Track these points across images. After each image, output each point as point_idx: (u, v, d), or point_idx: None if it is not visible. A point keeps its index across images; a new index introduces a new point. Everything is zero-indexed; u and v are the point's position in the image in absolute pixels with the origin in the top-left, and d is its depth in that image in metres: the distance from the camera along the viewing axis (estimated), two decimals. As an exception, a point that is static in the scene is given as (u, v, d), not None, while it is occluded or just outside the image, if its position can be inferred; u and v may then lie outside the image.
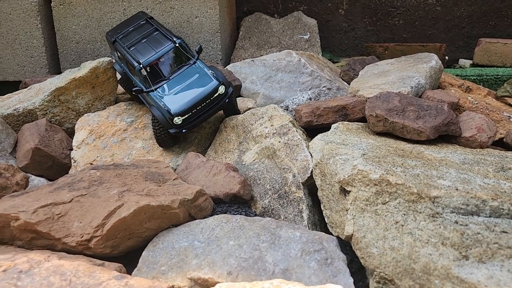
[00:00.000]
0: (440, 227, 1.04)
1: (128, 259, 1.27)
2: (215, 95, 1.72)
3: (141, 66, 1.79)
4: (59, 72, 2.91)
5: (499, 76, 2.59)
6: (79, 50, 2.90)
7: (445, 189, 1.10)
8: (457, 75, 2.63)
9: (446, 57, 3.00)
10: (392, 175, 1.16)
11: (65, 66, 2.90)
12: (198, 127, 1.90)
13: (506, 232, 1.01)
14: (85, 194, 1.37)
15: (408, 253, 1.04)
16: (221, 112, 1.93)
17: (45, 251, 1.24)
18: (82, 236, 1.24)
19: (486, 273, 0.96)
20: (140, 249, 1.29)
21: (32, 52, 2.90)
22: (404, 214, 1.10)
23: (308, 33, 3.07)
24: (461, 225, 1.04)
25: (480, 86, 2.23)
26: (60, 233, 1.26)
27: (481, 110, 1.84)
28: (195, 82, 1.75)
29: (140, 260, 1.21)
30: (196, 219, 1.37)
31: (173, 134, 1.74)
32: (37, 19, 2.83)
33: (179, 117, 1.69)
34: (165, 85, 1.78)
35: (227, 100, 1.75)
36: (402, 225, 1.08)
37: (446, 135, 1.59)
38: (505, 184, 1.16)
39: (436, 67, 2.03)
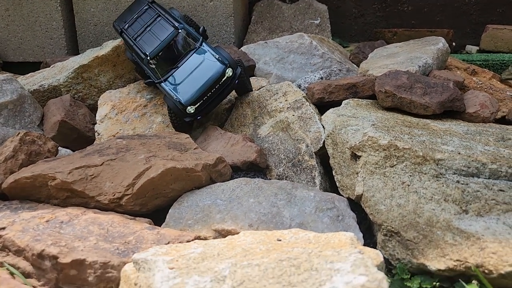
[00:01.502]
0: (443, 186, 1.14)
1: (154, 217, 1.38)
2: (223, 79, 1.72)
3: (148, 58, 1.82)
4: (78, 53, 3.02)
5: (504, 62, 2.66)
6: (97, 32, 3.00)
7: (448, 153, 1.20)
8: (463, 60, 2.70)
9: (454, 43, 3.08)
10: (399, 141, 1.26)
11: (83, 48, 3.01)
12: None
13: (503, 191, 1.11)
14: (115, 159, 1.49)
15: (413, 209, 1.14)
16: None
17: (80, 207, 1.36)
18: (114, 195, 1.35)
19: (483, 225, 1.06)
20: (165, 208, 1.40)
21: (51, 33, 3.00)
22: (410, 175, 1.20)
23: (318, 18, 3.15)
24: (462, 184, 1.14)
25: (485, 69, 2.31)
26: (94, 192, 1.37)
27: (485, 89, 1.93)
28: (202, 68, 1.76)
29: (167, 216, 1.32)
30: (217, 183, 1.48)
31: (189, 123, 1.77)
32: (57, 1, 2.93)
33: (191, 106, 1.72)
34: (174, 75, 1.80)
35: (237, 81, 1.75)
36: (408, 185, 1.19)
37: (451, 111, 1.68)
38: (504, 150, 1.26)
39: (443, 49, 2.12)
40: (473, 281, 1.02)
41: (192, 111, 1.72)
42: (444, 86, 1.69)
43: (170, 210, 1.34)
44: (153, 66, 1.82)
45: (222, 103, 2.02)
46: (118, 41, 2.22)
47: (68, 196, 1.40)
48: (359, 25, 3.39)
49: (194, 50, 1.81)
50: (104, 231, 1.17)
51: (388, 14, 3.32)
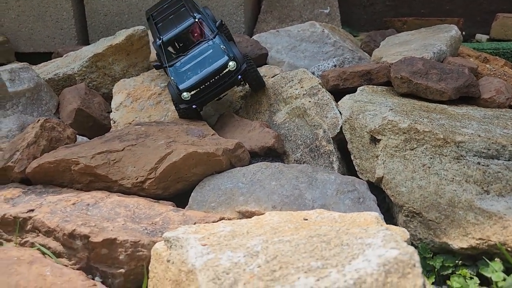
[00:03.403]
0: (464, 167, 1.16)
1: (176, 201, 1.40)
2: (224, 71, 1.70)
3: (160, 41, 1.83)
4: (88, 44, 3.03)
5: (515, 50, 2.67)
6: (107, 22, 3.01)
7: (468, 135, 1.22)
8: (474, 49, 2.71)
9: (463, 32, 3.08)
10: (419, 124, 1.28)
11: (93, 38, 3.02)
12: (219, 99, 1.88)
13: (524, 172, 1.13)
14: (135, 144, 1.51)
15: (434, 190, 1.16)
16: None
17: (104, 191, 1.38)
18: (137, 179, 1.38)
19: (505, 205, 1.08)
20: (186, 192, 1.42)
21: (62, 24, 3.01)
22: (431, 158, 1.22)
23: (328, 7, 3.16)
24: (483, 165, 1.16)
25: (496, 57, 2.32)
26: (117, 176, 1.40)
27: (499, 76, 1.94)
28: (207, 58, 1.76)
29: (190, 199, 1.35)
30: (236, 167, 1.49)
31: (183, 110, 1.75)
32: (67, -9, 2.94)
33: (187, 92, 1.69)
34: (180, 61, 1.80)
35: (240, 76, 1.72)
36: (429, 167, 1.20)
37: (466, 97, 1.69)
38: (522, 134, 1.27)
39: (456, 37, 2.13)
40: (496, 259, 1.04)
41: (187, 98, 1.70)
42: (460, 72, 1.70)
43: (192, 194, 1.36)
44: (163, 50, 1.81)
45: (236, 90, 2.04)
46: (132, 30, 2.24)
47: (91, 181, 1.42)
48: (368, 14, 3.39)
49: (206, 41, 1.81)
50: (130, 212, 1.20)
51: (398, 3, 3.32)
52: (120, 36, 2.24)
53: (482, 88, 1.74)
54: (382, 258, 0.76)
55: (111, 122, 2.05)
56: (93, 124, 2.05)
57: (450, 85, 1.64)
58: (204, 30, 1.85)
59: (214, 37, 1.82)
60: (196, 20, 1.85)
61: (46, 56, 2.89)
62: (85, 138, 1.95)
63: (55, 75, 2.22)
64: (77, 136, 1.92)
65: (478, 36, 3.15)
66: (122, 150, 1.48)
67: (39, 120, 1.64)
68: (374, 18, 3.38)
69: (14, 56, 2.93)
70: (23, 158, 1.49)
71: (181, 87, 1.71)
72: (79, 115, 2.00)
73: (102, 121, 2.08)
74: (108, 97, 2.21)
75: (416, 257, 0.76)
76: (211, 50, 1.77)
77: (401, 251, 0.77)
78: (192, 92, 1.70)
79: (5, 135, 1.73)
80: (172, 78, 1.76)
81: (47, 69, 2.36)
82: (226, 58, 1.71)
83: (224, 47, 1.76)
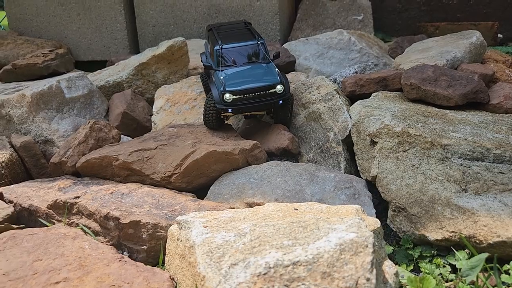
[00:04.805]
0: (447, 168, 1.28)
1: (198, 194, 1.62)
2: (271, 90, 1.79)
3: (220, 47, 1.98)
4: (138, 52, 3.34)
5: (550, 53, 2.64)
6: (155, 32, 3.31)
7: (455, 139, 1.33)
8: (507, 53, 2.72)
9: (500, 35, 3.07)
10: (412, 128, 1.40)
11: (143, 47, 3.33)
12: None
13: (503, 173, 1.23)
14: (166, 144, 1.74)
15: (419, 188, 1.29)
16: None
17: (138, 183, 1.62)
18: (165, 173, 1.60)
19: (480, 202, 1.19)
20: (208, 186, 1.63)
21: (116, 35, 3.35)
22: (420, 159, 1.34)
23: (361, 14, 3.26)
24: (465, 166, 1.27)
25: (525, 61, 2.33)
26: (149, 171, 1.63)
27: (516, 82, 1.99)
28: (260, 75, 1.86)
29: (208, 192, 1.55)
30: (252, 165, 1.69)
31: (218, 109, 1.82)
32: (121, 5, 3.27)
33: (231, 94, 1.76)
34: (232, 69, 1.92)
35: (280, 101, 1.81)
36: (417, 167, 1.33)
37: (476, 103, 1.77)
38: (513, 138, 1.36)
39: (477, 43, 2.18)
40: (466, 250, 1.15)
41: (228, 100, 1.77)
42: (469, 78, 1.78)
43: (211, 187, 1.57)
44: (220, 56, 1.94)
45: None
46: (172, 41, 2.49)
47: (128, 174, 1.67)
48: (403, 19, 3.45)
49: (262, 62, 1.94)
50: (156, 201, 1.42)
51: (433, 8, 3.35)
52: (162, 47, 2.51)
53: (493, 94, 1.81)
54: (341, 240, 0.92)
55: (152, 124, 2.31)
56: (137, 126, 2.32)
57: (457, 91, 1.73)
58: (262, 54, 1.98)
59: (269, 62, 1.95)
60: (259, 42, 1.99)
61: (102, 64, 3.23)
62: (129, 138, 2.22)
63: (106, 82, 2.52)
64: (123, 136, 2.20)
65: (516, 39, 3.12)
66: (155, 148, 1.72)
67: (89, 122, 1.92)
68: (409, 23, 3.43)
69: (73, 65, 3.30)
70: (74, 155, 1.77)
71: (228, 88, 1.80)
72: (125, 117, 2.27)
73: (145, 123, 2.35)
74: (151, 102, 2.48)
75: (371, 240, 0.91)
76: (265, 70, 1.89)
77: (359, 234, 0.93)
78: (235, 97, 1.77)
79: (62, 135, 2.03)
80: (221, 77, 1.86)
81: (100, 77, 2.68)
82: (277, 80, 1.82)
83: (278, 71, 1.88)
